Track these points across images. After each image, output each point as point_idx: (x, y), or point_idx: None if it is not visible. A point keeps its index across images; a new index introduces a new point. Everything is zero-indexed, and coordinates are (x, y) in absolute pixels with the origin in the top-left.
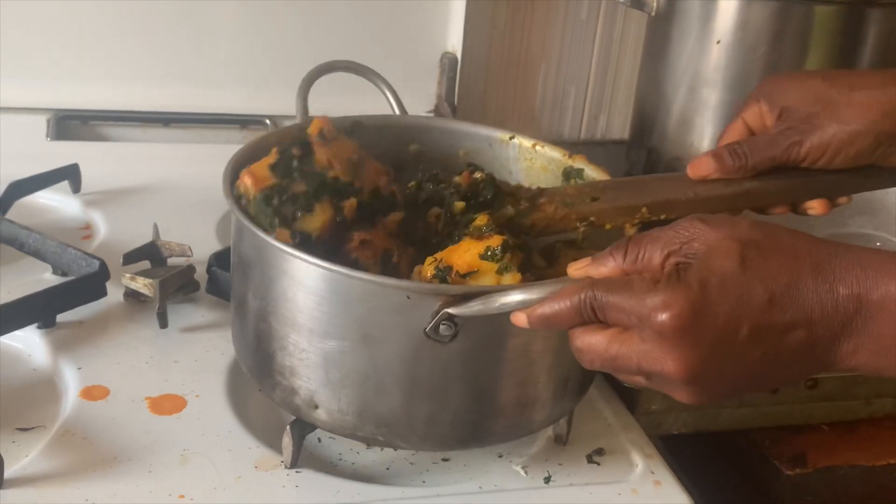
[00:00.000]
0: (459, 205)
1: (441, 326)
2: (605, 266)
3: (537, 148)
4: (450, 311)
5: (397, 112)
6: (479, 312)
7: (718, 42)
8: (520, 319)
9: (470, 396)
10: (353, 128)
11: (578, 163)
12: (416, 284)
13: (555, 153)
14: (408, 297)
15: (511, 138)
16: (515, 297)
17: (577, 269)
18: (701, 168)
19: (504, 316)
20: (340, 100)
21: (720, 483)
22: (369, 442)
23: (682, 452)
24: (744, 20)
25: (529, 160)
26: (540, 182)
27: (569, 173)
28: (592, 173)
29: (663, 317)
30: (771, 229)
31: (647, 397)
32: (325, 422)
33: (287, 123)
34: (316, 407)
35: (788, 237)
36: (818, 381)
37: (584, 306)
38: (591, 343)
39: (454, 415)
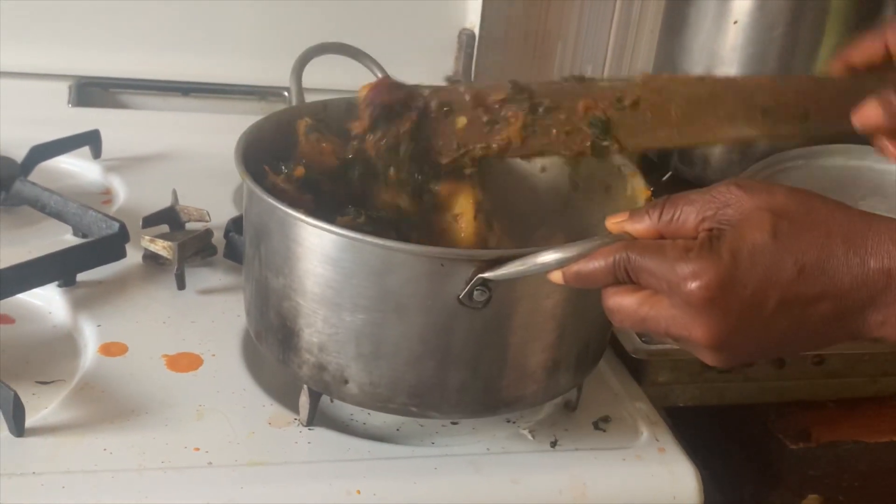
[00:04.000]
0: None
1: (475, 292)
2: (642, 223)
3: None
4: (484, 275)
5: None
6: (515, 274)
7: (735, 22)
8: (556, 277)
9: (501, 362)
10: (349, 108)
11: None
12: (450, 251)
13: None
14: (441, 265)
15: None
16: (552, 256)
17: (614, 222)
18: (869, 119)
19: (534, 279)
20: (338, 76)
21: (724, 455)
22: (401, 413)
23: (688, 424)
24: (761, 1)
25: None
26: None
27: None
28: None
29: (693, 286)
30: (806, 198)
31: (655, 369)
32: (355, 396)
33: (305, 96)
34: (346, 382)
35: (824, 208)
36: (824, 358)
37: (618, 267)
38: (623, 304)
39: (485, 382)
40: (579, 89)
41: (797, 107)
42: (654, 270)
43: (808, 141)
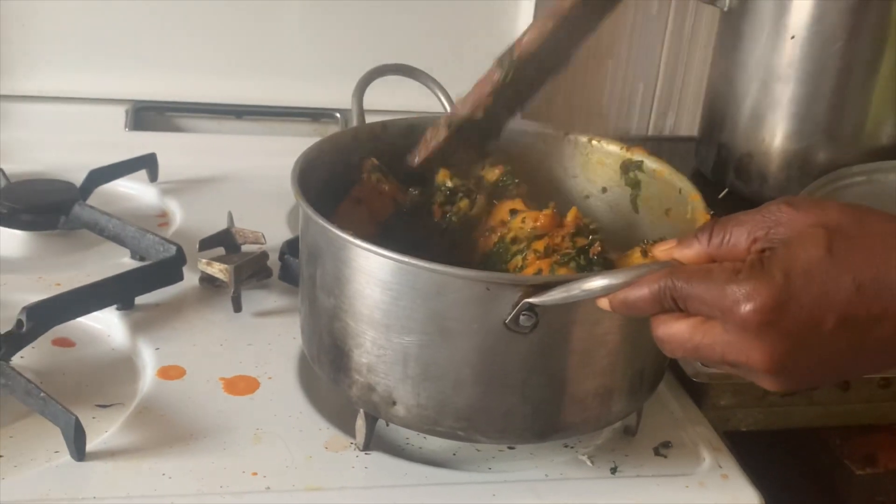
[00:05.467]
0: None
1: (521, 317)
2: (691, 249)
3: (593, 143)
4: (531, 300)
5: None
6: (560, 300)
7: (793, 37)
8: (604, 304)
9: (549, 388)
10: (408, 130)
11: (637, 155)
12: (496, 275)
13: (612, 147)
14: (487, 289)
15: (566, 134)
16: (598, 283)
17: (663, 250)
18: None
19: (583, 305)
20: (396, 97)
21: (788, 480)
22: (448, 437)
23: (750, 449)
24: (819, 15)
25: (585, 155)
26: (597, 177)
27: (627, 167)
28: (652, 165)
29: (746, 309)
30: (861, 214)
31: (716, 392)
32: (403, 418)
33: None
34: (394, 403)
35: (879, 223)
36: (891, 381)
37: (664, 296)
38: (673, 333)
39: (534, 407)
40: None
41: None
42: (703, 296)
43: (868, 157)
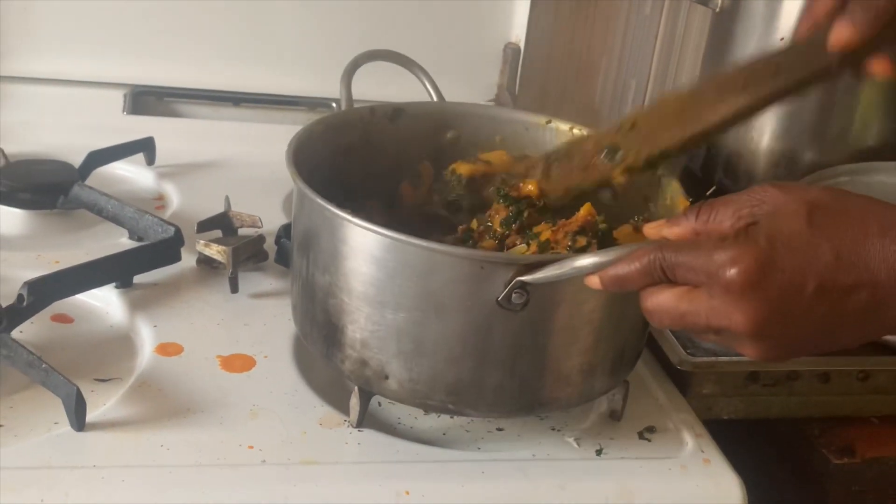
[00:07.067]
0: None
1: (513, 295)
2: (679, 226)
3: (574, 131)
4: (523, 279)
5: (435, 100)
6: (552, 278)
7: (782, 39)
8: (593, 282)
9: (537, 364)
10: (395, 115)
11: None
12: (491, 254)
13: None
14: (481, 268)
15: (547, 122)
16: (588, 260)
17: (653, 227)
18: (842, 34)
19: (571, 285)
20: (386, 87)
21: (767, 468)
22: (439, 410)
23: (732, 437)
24: None
25: None
26: None
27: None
28: None
29: (731, 272)
30: (841, 193)
31: (699, 381)
32: (394, 392)
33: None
34: (386, 378)
35: (858, 200)
36: (869, 374)
37: (654, 266)
38: (661, 302)
39: (521, 382)
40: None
41: (767, 66)
42: (691, 263)
43: (853, 157)
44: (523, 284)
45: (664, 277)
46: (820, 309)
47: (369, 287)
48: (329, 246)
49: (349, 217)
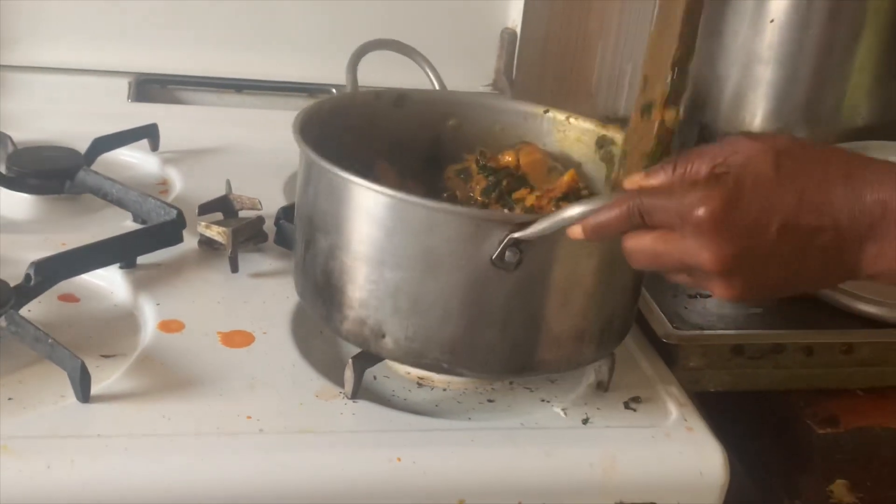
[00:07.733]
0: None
1: (507, 253)
2: (657, 178)
3: (570, 120)
4: (515, 235)
5: (437, 88)
6: (544, 230)
7: (772, 21)
8: (575, 232)
9: (529, 325)
10: (399, 101)
11: (611, 132)
12: (486, 212)
13: (587, 124)
14: (477, 226)
15: (545, 112)
16: (576, 210)
17: (632, 180)
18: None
19: (563, 246)
20: (391, 73)
21: (752, 438)
22: (433, 369)
23: (719, 409)
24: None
25: (562, 132)
26: (574, 153)
27: (602, 143)
28: None
29: (700, 211)
30: (808, 142)
31: (686, 354)
32: (391, 350)
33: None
34: (383, 336)
35: (824, 148)
36: (852, 347)
37: (633, 212)
38: (639, 244)
39: (513, 343)
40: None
41: None
42: (666, 206)
43: (844, 137)
44: (517, 242)
45: (643, 223)
46: (784, 248)
47: (369, 246)
48: (331, 208)
49: (351, 177)
